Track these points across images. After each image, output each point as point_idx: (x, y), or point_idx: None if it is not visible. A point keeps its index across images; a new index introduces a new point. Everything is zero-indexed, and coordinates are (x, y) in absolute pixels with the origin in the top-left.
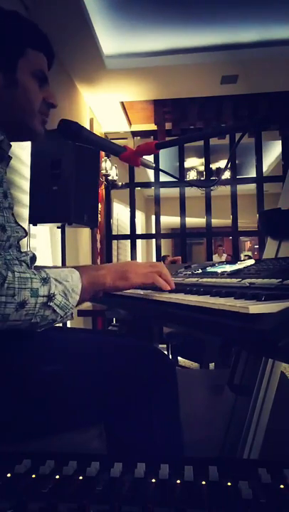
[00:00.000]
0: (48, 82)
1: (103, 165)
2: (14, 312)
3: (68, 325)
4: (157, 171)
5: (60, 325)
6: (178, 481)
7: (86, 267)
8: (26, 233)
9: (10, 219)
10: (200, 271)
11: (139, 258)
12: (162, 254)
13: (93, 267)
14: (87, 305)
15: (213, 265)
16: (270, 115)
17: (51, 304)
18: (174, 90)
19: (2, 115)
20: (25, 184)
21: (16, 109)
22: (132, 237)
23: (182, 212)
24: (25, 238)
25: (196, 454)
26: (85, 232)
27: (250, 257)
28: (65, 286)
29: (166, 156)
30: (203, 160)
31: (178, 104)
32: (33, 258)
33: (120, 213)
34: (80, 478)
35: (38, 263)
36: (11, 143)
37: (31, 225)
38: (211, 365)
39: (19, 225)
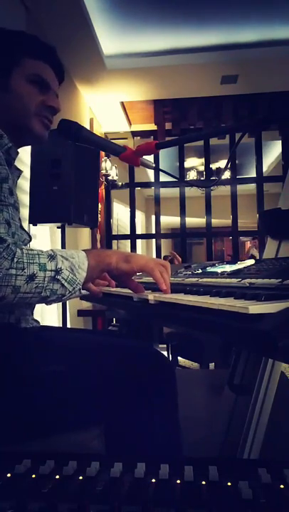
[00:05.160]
0: (49, 87)
1: (103, 165)
2: (25, 284)
3: (68, 325)
4: (157, 171)
5: (60, 324)
6: (178, 481)
7: (92, 249)
8: (30, 238)
9: (15, 217)
10: (200, 271)
11: None
12: (162, 254)
13: (99, 249)
14: (87, 305)
15: (213, 265)
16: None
17: (59, 277)
18: (174, 90)
19: (2, 120)
20: (25, 184)
21: (12, 112)
22: (132, 237)
23: (182, 212)
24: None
25: (196, 454)
26: (85, 232)
27: (251, 257)
28: (71, 263)
29: (166, 156)
30: (203, 160)
31: (178, 104)
32: None
33: (120, 213)
34: (80, 478)
35: None
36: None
37: (31, 225)
38: (211, 365)
39: (24, 229)
